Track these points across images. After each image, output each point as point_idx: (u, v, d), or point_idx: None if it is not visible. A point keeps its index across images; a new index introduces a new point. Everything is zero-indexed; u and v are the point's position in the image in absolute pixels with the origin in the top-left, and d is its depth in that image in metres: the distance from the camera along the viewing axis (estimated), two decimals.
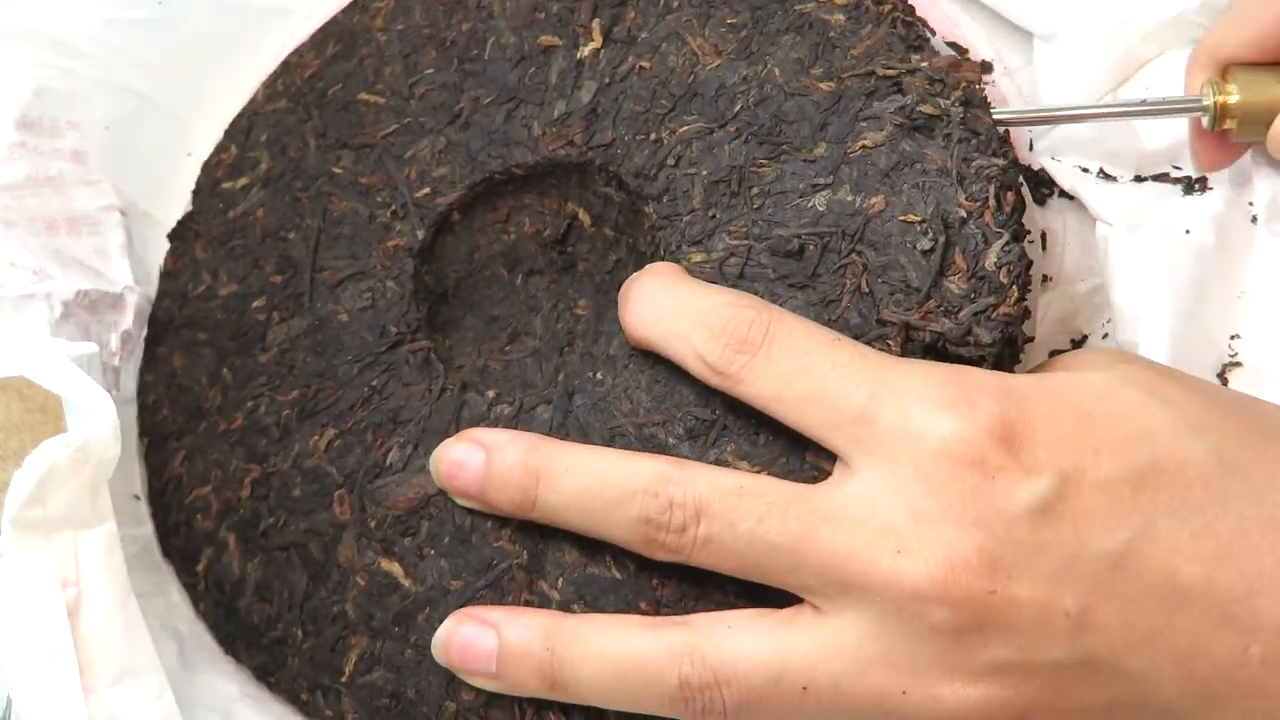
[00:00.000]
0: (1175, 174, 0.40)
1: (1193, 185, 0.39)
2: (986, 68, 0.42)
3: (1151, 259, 0.37)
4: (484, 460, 0.32)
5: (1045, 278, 0.40)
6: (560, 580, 0.33)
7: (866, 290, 0.32)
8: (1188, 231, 0.38)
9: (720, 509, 0.30)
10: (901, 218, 0.33)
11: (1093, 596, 0.28)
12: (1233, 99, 0.36)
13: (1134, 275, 0.37)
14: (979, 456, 0.28)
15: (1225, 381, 0.37)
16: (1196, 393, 0.30)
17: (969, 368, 0.30)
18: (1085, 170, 0.41)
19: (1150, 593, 0.28)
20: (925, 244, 0.32)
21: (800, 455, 0.32)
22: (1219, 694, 0.28)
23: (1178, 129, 0.40)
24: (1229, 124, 0.36)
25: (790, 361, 0.30)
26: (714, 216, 0.35)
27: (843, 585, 0.29)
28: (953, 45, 0.40)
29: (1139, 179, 0.40)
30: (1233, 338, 0.38)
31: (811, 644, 0.29)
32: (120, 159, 0.43)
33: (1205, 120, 0.37)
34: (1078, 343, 0.39)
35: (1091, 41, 0.41)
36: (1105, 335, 0.39)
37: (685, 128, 0.36)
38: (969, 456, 0.28)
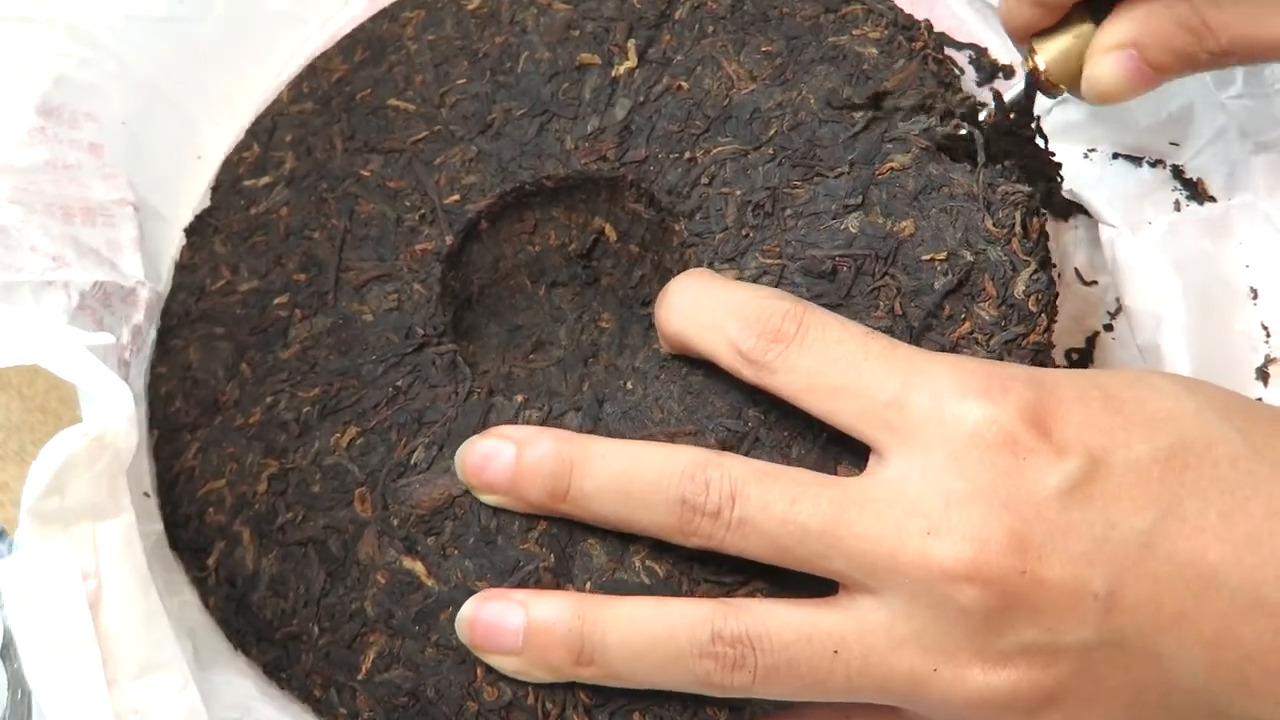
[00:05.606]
0: (1172, 150, 0.39)
1: (1193, 186, 0.39)
2: (1009, 72, 0.43)
3: (1159, 258, 0.37)
4: (514, 453, 0.33)
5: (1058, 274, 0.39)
6: (588, 584, 0.33)
7: (900, 313, 0.33)
8: (1191, 227, 0.37)
9: (755, 491, 0.30)
10: (929, 248, 0.34)
11: (1121, 578, 0.28)
12: (1041, 67, 0.36)
13: (1144, 276, 0.37)
14: (1010, 439, 0.29)
15: (1267, 378, 0.37)
16: (1221, 390, 0.31)
17: (1000, 361, 0.31)
18: (1086, 155, 0.40)
19: (1179, 574, 0.28)
20: (955, 272, 0.33)
21: (832, 469, 0.32)
22: (1249, 679, 0.28)
23: (1167, 104, 0.39)
24: (1063, 89, 0.36)
25: (824, 351, 0.31)
26: (747, 235, 0.35)
27: (872, 568, 0.29)
28: (972, 46, 0.41)
29: (1136, 160, 0.40)
30: (1266, 338, 0.37)
31: (842, 619, 0.30)
32: (133, 155, 0.43)
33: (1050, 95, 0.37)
34: (1091, 339, 0.40)
35: None
36: (1109, 327, 0.39)
37: (719, 148, 0.37)
38: (1000, 439, 0.29)
